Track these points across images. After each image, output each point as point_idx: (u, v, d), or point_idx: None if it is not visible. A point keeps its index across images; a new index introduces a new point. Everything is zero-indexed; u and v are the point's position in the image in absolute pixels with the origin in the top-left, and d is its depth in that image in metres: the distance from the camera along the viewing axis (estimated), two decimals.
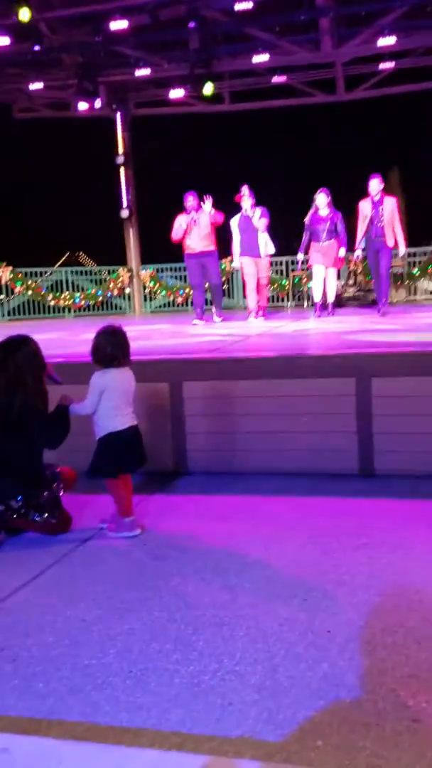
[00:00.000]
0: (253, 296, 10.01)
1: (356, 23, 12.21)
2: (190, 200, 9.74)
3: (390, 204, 9.56)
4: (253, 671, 2.56)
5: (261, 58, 12.34)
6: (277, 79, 13.79)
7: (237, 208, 9.74)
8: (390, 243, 9.57)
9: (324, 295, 10.39)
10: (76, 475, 4.32)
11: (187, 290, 14.97)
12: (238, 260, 9.89)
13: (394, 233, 9.52)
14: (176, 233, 9.87)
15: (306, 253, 10.32)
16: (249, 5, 10.59)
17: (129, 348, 4.11)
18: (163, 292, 15.91)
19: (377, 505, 4.41)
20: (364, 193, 9.77)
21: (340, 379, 5.05)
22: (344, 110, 15.93)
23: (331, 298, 10.49)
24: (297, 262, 10.88)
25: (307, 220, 10.04)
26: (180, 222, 9.84)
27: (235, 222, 9.76)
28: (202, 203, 9.68)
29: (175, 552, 3.78)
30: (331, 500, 4.54)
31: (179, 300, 15.74)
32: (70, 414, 4.04)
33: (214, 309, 10.39)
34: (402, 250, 9.88)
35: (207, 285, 10.44)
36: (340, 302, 13.74)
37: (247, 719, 2.29)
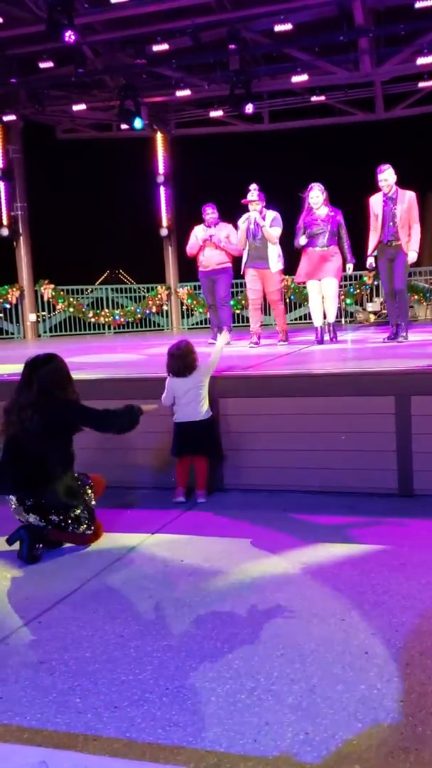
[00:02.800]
0: (256, 316, 8.47)
1: (395, 42, 12.23)
2: (209, 212, 8.70)
3: (407, 199, 7.56)
4: (290, 691, 2.55)
5: (300, 78, 12.42)
6: (316, 98, 13.85)
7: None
8: (407, 249, 7.67)
9: (325, 315, 8.26)
10: (105, 482, 4.48)
11: None
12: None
13: (410, 235, 7.60)
14: (192, 248, 8.84)
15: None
16: (288, 27, 10.68)
17: (192, 360, 5.06)
18: (201, 309, 15.99)
19: (416, 525, 4.36)
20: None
21: (378, 398, 5.02)
22: (383, 129, 15.91)
23: (331, 318, 8.24)
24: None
25: (300, 223, 8.01)
26: (196, 234, 8.79)
27: (243, 224, 8.14)
28: (219, 221, 8.69)
29: (212, 568, 3.78)
30: (369, 519, 4.50)
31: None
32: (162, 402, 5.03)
33: (224, 328, 8.59)
34: (413, 255, 7.62)
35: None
36: (376, 320, 13.65)
37: (284, 740, 2.28)
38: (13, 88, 12.84)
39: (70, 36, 9.63)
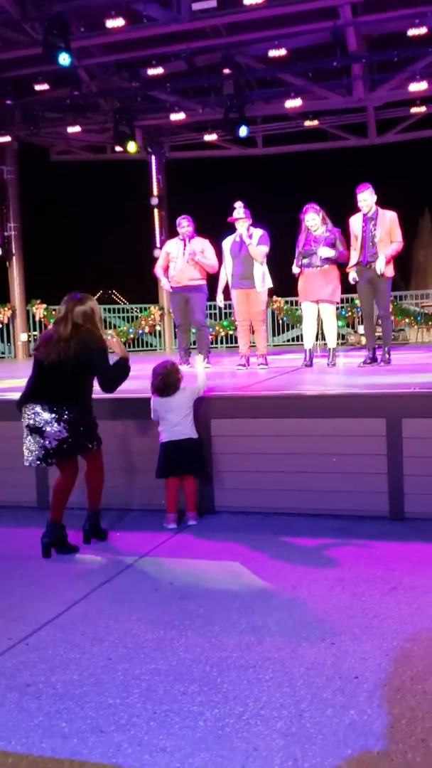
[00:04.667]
0: (245, 338, 8.20)
1: (388, 68, 12.40)
2: (185, 225, 8.26)
3: (388, 220, 7.31)
4: (279, 716, 2.52)
5: (294, 103, 12.56)
6: (309, 123, 14.00)
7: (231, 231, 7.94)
8: (388, 271, 7.38)
9: (323, 340, 8.09)
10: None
11: (217, 328, 15.07)
12: (221, 296, 8.09)
13: (391, 255, 7.32)
14: (160, 265, 8.44)
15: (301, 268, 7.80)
16: (282, 52, 10.81)
17: (176, 381, 5.03)
18: (193, 330, 16.02)
19: (407, 548, 4.34)
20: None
21: (370, 420, 5.02)
22: (376, 153, 16.11)
23: (332, 343, 8.06)
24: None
25: (299, 241, 7.78)
26: (168, 250, 8.35)
27: (227, 245, 7.88)
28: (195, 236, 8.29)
29: (201, 591, 3.75)
30: (360, 542, 4.48)
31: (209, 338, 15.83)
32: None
33: (198, 353, 7.88)
34: (381, 260, 7.21)
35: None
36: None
37: (272, 766, 2.24)
38: (8, 110, 12.93)
39: (65, 59, 9.72)
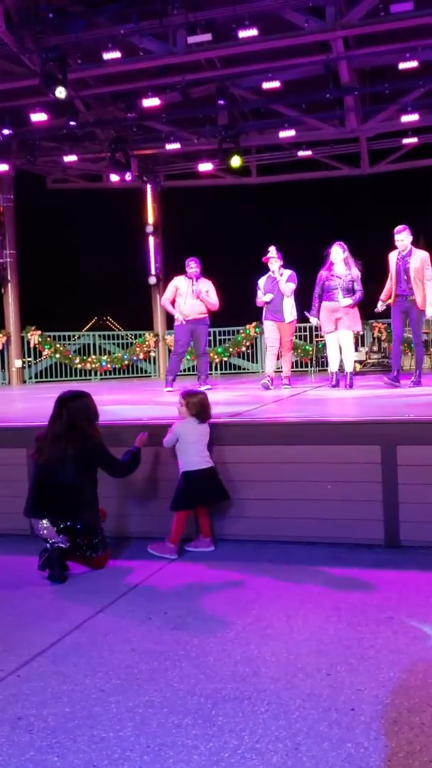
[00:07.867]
0: (272, 362, 9.42)
1: (380, 101, 12.62)
2: (192, 266, 9.32)
3: (419, 258, 8.34)
4: (275, 749, 2.48)
5: (287, 133, 12.74)
6: (302, 153, 14.19)
7: (263, 270, 9.26)
8: (421, 305, 8.36)
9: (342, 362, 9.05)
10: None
11: (211, 354, 15.11)
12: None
13: (424, 292, 8.30)
14: (168, 298, 9.45)
15: (319, 315, 8.97)
16: (276, 84, 11.00)
17: (209, 405, 5.08)
18: (188, 356, 16.05)
19: (403, 577, 4.32)
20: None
21: (364, 447, 5.02)
22: (368, 183, 16.31)
23: (349, 367, 8.99)
24: (318, 328, 9.11)
25: (320, 276, 8.83)
26: (177, 285, 9.38)
27: (262, 282, 9.28)
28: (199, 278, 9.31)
29: (196, 621, 3.71)
30: (355, 571, 4.45)
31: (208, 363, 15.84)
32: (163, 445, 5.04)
33: (201, 377, 9.70)
34: (430, 310, 8.36)
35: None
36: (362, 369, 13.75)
37: None
38: (5, 139, 13.08)
39: (60, 92, 9.88)
